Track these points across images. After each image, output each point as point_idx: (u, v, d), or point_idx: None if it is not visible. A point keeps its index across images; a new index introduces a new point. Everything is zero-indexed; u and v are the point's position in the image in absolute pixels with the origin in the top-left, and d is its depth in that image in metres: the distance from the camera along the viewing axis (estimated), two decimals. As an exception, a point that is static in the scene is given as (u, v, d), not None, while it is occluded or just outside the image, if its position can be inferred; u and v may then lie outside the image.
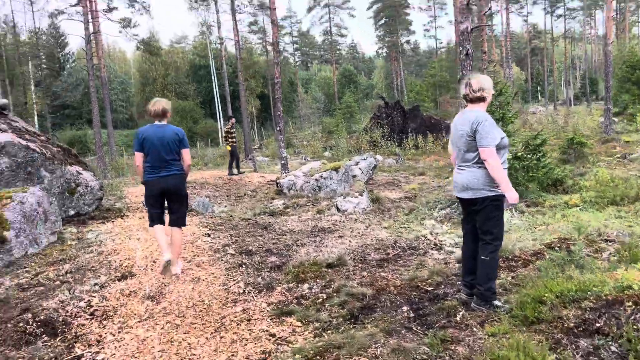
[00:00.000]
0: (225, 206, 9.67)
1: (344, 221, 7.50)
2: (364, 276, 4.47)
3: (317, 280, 4.40)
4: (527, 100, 57.62)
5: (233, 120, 16.13)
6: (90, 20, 27.59)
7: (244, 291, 4.35)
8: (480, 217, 3.59)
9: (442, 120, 29.72)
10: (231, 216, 8.16)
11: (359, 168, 9.93)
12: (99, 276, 5.11)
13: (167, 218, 5.22)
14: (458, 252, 5.00)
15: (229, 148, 15.64)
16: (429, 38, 75.00)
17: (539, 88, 66.93)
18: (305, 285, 4.32)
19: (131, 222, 7.93)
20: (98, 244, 6.49)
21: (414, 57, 76.19)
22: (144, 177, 5.11)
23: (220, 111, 45.24)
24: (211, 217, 8.03)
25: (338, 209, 8.53)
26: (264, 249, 5.53)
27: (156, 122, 5.14)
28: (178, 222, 5.15)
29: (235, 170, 15.67)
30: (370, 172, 10.23)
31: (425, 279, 4.19)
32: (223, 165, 25.22)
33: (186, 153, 5.11)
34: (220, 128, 45.59)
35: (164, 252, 4.90)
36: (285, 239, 6.03)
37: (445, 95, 48.04)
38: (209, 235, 6.33)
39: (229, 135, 15.62)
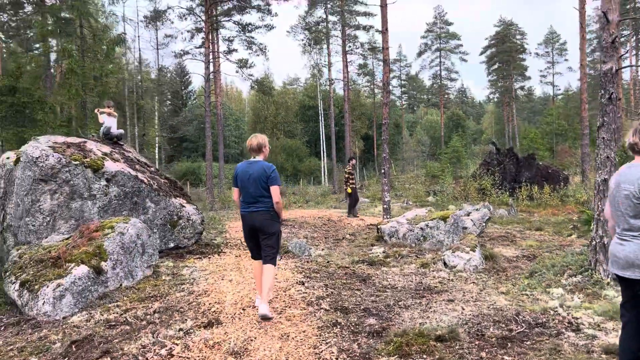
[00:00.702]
0: (323, 249, 9.20)
1: (452, 280, 6.66)
2: (482, 357, 3.67)
3: (424, 357, 3.68)
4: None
5: (354, 161, 15.74)
6: (211, 60, 29.46)
7: (337, 359, 3.74)
8: None
9: (561, 171, 27.42)
10: (328, 262, 7.65)
11: (471, 219, 9.01)
12: (186, 320, 4.79)
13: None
14: (603, 338, 4.01)
15: (349, 190, 15.27)
16: (545, 84, 71.12)
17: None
18: (410, 362, 3.62)
19: (227, 260, 7.70)
20: (191, 282, 6.26)
21: (527, 103, 72.61)
22: (240, 211, 5.17)
23: (325, 150, 45.83)
24: (307, 262, 7.57)
25: (445, 264, 7.68)
26: (362, 307, 4.90)
27: (252, 158, 5.13)
28: (266, 259, 5.00)
29: (355, 212, 15.39)
30: (484, 224, 9.26)
31: (563, 373, 3.31)
32: (322, 204, 25.10)
33: (275, 190, 4.94)
34: (324, 166, 46.10)
35: (261, 302, 4.81)
36: (385, 297, 5.35)
37: (563, 145, 44.72)
38: (303, 284, 5.84)
39: (350, 177, 15.23)
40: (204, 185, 36.45)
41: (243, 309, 4.97)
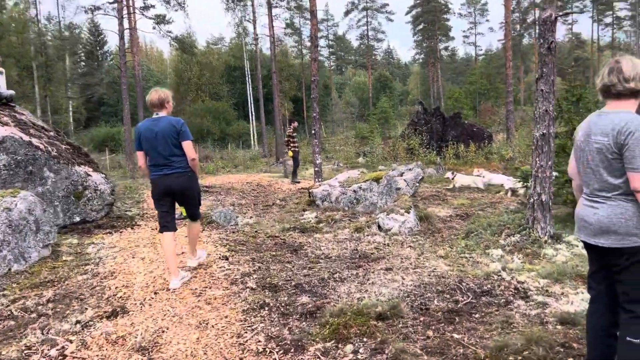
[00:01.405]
0: (251, 217, 8.55)
1: (388, 244, 6.26)
2: (428, 337, 3.23)
3: (365, 340, 3.19)
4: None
5: (295, 124, 14.86)
6: (125, 16, 27.15)
7: (264, 350, 3.17)
8: (628, 278, 2.32)
9: (485, 129, 28.11)
10: (256, 231, 7.03)
11: (404, 180, 8.67)
12: (86, 309, 4.03)
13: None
14: (554, 305, 3.70)
15: (290, 154, 14.53)
16: (467, 45, 72.93)
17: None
18: (349, 347, 3.12)
19: (141, 234, 6.87)
20: (96, 262, 5.44)
21: (451, 64, 74.28)
22: (150, 177, 4.71)
23: (253, 112, 44.52)
24: (233, 232, 6.91)
25: (380, 228, 7.30)
26: (293, 282, 4.34)
27: (154, 115, 4.67)
28: (190, 217, 5.01)
29: (298, 178, 14.71)
30: (417, 184, 8.97)
31: (519, 350, 2.93)
32: (252, 168, 24.28)
33: (188, 146, 4.56)
34: (253, 129, 44.85)
35: (171, 275, 4.51)
36: (319, 269, 4.83)
37: (486, 104, 46.10)
38: (227, 259, 5.19)
39: (291, 140, 14.42)
40: (124, 151, 34.38)
41: (155, 293, 4.27)
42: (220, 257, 5.24)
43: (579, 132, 2.51)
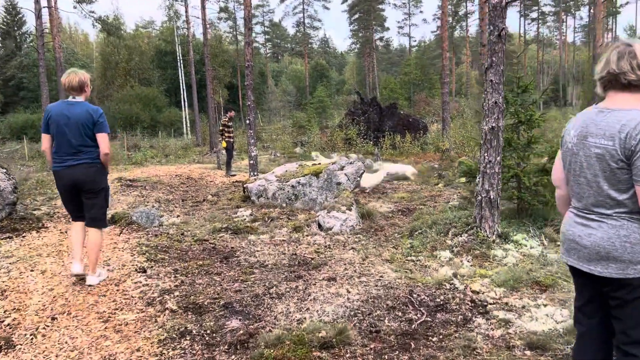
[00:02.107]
0: (178, 216, 7.78)
1: (330, 247, 5.76)
2: (382, 371, 2.74)
3: (307, 378, 2.65)
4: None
5: (232, 113, 14.07)
6: (42, -8, 24.89)
7: (183, 396, 2.56)
8: (631, 315, 1.90)
9: (420, 120, 28.35)
10: (182, 234, 6.30)
11: (345, 174, 8.19)
12: (-41, 344, 3.23)
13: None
14: (518, 324, 3.32)
15: (224, 144, 13.68)
16: (402, 36, 74.06)
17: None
18: (288, 390, 2.56)
19: (47, 239, 5.97)
20: (-15, 277, 4.56)
21: (385, 54, 75.20)
22: (52, 166, 4.26)
23: (186, 99, 42.78)
24: (155, 235, 6.15)
25: (320, 227, 6.79)
26: (222, 301, 3.71)
27: (69, 98, 4.21)
28: (92, 223, 4.29)
29: (232, 171, 13.89)
30: (358, 179, 8.52)
31: (488, 386, 2.49)
32: (184, 158, 23.11)
33: (103, 139, 4.15)
34: (185, 117, 43.12)
35: (73, 260, 4.24)
36: (253, 282, 4.23)
37: (420, 94, 46.82)
38: (145, 272, 4.47)
39: (226, 130, 13.60)
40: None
41: (52, 319, 3.52)
42: (136, 270, 4.51)
43: (571, 132, 2.05)
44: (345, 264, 4.87)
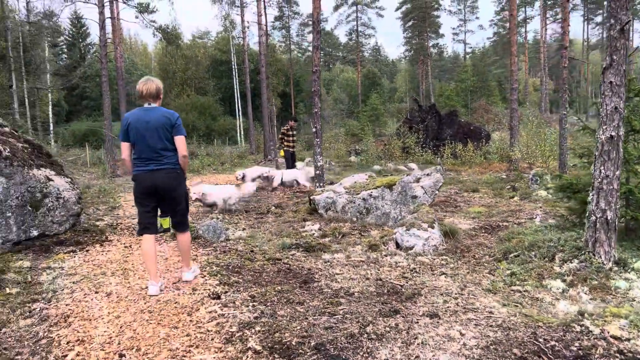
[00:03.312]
0: (244, 229, 7.34)
1: (415, 270, 5.12)
2: None
3: None
4: (555, 111, 54.28)
5: (292, 122, 13.46)
6: (106, 4, 25.60)
7: None
8: None
9: (482, 128, 27.16)
10: (252, 251, 5.81)
11: (421, 187, 7.51)
12: (19, 383, 2.81)
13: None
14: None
15: (281, 153, 13.35)
16: (457, 42, 72.41)
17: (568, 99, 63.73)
18: None
19: (111, 254, 5.62)
20: (48, 297, 4.20)
21: (439, 61, 73.61)
22: (132, 172, 4.29)
23: (240, 108, 43.14)
24: (224, 252, 5.69)
25: (398, 245, 6.15)
26: (312, 341, 3.14)
27: (145, 105, 4.28)
28: (178, 227, 4.44)
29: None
30: (436, 192, 7.83)
31: None
32: (240, 166, 22.98)
33: (180, 141, 4.24)
34: (239, 125, 43.46)
35: (150, 280, 4.20)
36: (343, 315, 3.64)
37: (479, 101, 45.23)
38: (219, 298, 3.97)
39: (285, 138, 13.21)
40: (105, 147, 32.81)
41: (120, 356, 3.05)
42: (210, 295, 4.02)
43: None
44: (442, 295, 4.21)
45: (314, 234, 7.01)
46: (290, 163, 13.49)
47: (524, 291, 4.45)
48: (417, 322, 3.47)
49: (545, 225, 6.60)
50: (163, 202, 4.32)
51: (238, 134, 43.42)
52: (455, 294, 4.26)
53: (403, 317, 3.59)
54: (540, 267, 5.00)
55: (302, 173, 12.34)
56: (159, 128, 4.12)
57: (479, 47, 73.66)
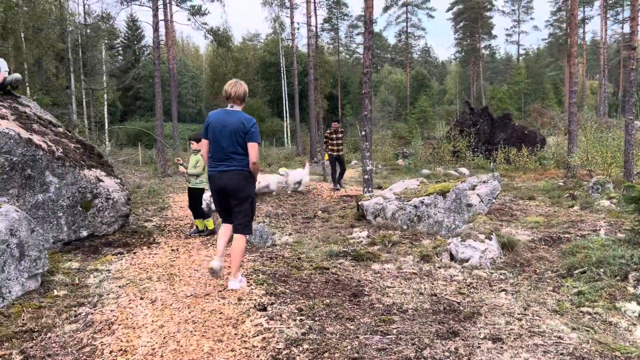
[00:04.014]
0: (290, 234, 7.18)
1: (472, 285, 4.79)
2: None
3: None
4: (614, 115, 51.61)
5: (335, 124, 12.74)
6: (161, 7, 26.26)
7: None
8: None
9: (537, 132, 26.09)
10: (299, 258, 5.63)
11: (477, 195, 7.13)
12: (60, 394, 2.71)
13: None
14: None
15: (326, 157, 12.79)
16: (510, 44, 70.34)
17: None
18: None
19: (157, 257, 5.57)
20: (94, 301, 4.14)
21: (490, 63, 71.63)
22: (207, 170, 4.59)
23: (287, 110, 43.35)
24: (270, 258, 5.53)
25: (452, 257, 5.82)
26: (365, 364, 2.90)
27: (228, 107, 4.48)
28: (237, 229, 4.47)
29: (338, 185, 12.69)
30: (493, 201, 7.42)
31: None
32: (287, 168, 22.95)
33: (253, 148, 4.33)
34: (286, 127, 43.67)
35: (215, 256, 4.47)
36: (397, 336, 3.37)
37: (534, 104, 43.60)
38: (265, 309, 3.79)
39: (330, 140, 12.64)
40: (157, 146, 33.65)
41: (162, 370, 2.91)
42: (255, 306, 3.84)
43: None
44: (503, 315, 3.88)
45: (362, 241, 6.77)
46: (334, 168, 12.78)
47: (595, 314, 4.05)
48: (479, 347, 3.17)
49: (612, 239, 6.09)
50: (229, 203, 4.47)
51: (285, 136, 43.65)
52: (518, 314, 3.92)
53: (463, 339, 3.29)
54: (611, 286, 4.57)
55: (306, 173, 12.09)
56: (233, 132, 4.26)
57: (533, 49, 71.24)
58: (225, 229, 4.55)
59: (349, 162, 25.51)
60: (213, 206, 8.03)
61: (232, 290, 4.29)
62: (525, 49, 71.15)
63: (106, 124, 41.42)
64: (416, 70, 66.35)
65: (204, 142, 4.49)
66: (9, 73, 6.87)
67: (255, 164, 4.36)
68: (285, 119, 43.88)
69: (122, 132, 43.05)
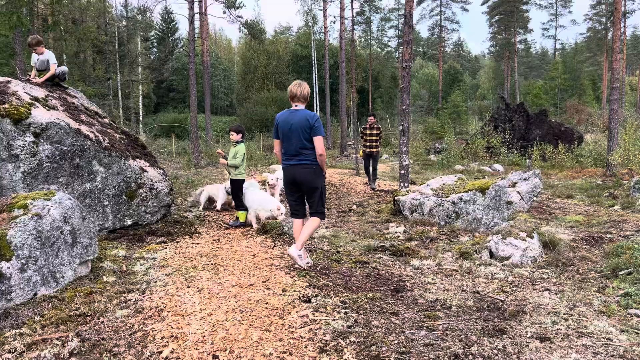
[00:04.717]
0: (327, 228, 7.23)
1: (515, 283, 4.75)
2: None
3: None
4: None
5: (371, 119, 12.22)
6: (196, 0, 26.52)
7: None
8: None
9: (574, 129, 25.46)
10: (338, 252, 5.68)
11: (518, 192, 7.03)
12: (116, 378, 2.82)
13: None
14: None
15: (360, 154, 12.29)
16: (546, 38, 68.62)
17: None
18: None
19: (200, 247, 5.69)
20: (143, 288, 4.27)
21: (525, 57, 69.97)
22: (282, 164, 5.03)
23: (318, 103, 43.36)
24: (310, 251, 5.59)
25: (492, 255, 5.76)
26: (412, 359, 2.92)
27: (293, 106, 4.89)
28: (314, 214, 4.94)
29: (374, 183, 12.04)
30: (533, 198, 7.31)
31: None
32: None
33: (318, 141, 4.73)
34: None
35: (295, 244, 4.83)
36: (442, 331, 3.39)
37: (571, 101, 42.50)
38: (309, 301, 3.85)
39: (364, 137, 12.09)
40: (190, 138, 34.17)
41: (214, 357, 3.00)
42: (300, 298, 3.90)
43: None
44: (549, 314, 3.84)
45: (398, 236, 6.76)
46: (367, 164, 12.12)
47: (644, 317, 3.96)
48: (527, 346, 3.15)
49: (661, 241, 5.93)
50: (302, 192, 4.93)
51: (315, 129, 43.62)
52: (564, 314, 3.87)
53: (510, 338, 3.28)
54: (658, 288, 4.46)
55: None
56: (299, 130, 4.67)
57: (570, 43, 69.37)
58: (298, 224, 4.98)
59: (380, 157, 25.41)
60: (201, 199, 8.24)
61: (290, 256, 4.79)
62: (562, 44, 69.45)
63: (141, 116, 42.25)
64: (449, 65, 65.45)
65: (276, 142, 4.96)
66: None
67: (322, 155, 4.72)
68: (315, 112, 43.95)
69: (156, 123, 43.83)
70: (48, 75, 6.75)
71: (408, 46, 8.42)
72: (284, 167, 4.92)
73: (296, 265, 4.78)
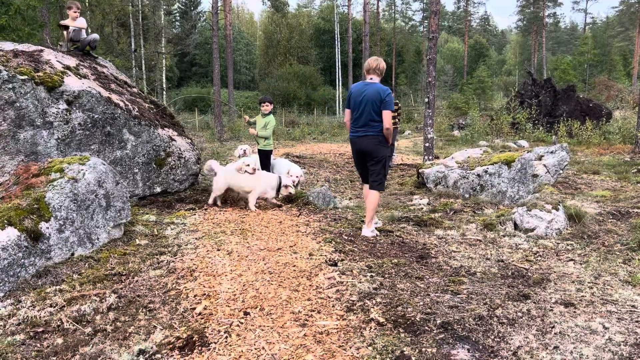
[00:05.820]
0: (350, 198, 7.30)
1: (539, 254, 4.77)
2: None
3: None
4: None
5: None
6: (219, -27, 26.34)
7: None
8: None
9: (603, 105, 24.85)
10: (362, 221, 5.75)
11: (544, 165, 6.98)
12: (154, 329, 2.97)
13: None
14: None
15: None
16: (577, 12, 66.46)
17: None
18: None
19: (228, 214, 5.83)
20: (174, 251, 4.43)
21: (553, 32, 67.99)
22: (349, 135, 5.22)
23: (340, 78, 43.05)
24: (334, 220, 5.68)
25: (517, 226, 5.77)
26: (438, 319, 3.00)
27: (367, 79, 5.03)
28: (372, 185, 5.12)
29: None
30: (560, 172, 7.25)
31: None
32: (339, 137, 23.01)
33: (386, 115, 4.86)
34: (339, 96, 43.44)
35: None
36: (467, 295, 3.45)
37: (601, 77, 41.35)
38: (335, 265, 3.95)
39: None
40: (212, 112, 34.38)
41: (245, 314, 3.12)
42: (326, 261, 4.01)
43: None
44: (573, 282, 3.87)
45: (422, 208, 6.80)
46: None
47: (671, 288, 3.96)
48: (552, 310, 3.19)
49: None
50: (366, 163, 5.09)
51: (337, 104, 43.50)
52: (589, 282, 3.90)
53: (534, 302, 3.33)
54: (687, 261, 4.44)
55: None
56: (370, 102, 4.79)
57: (602, 18, 67.14)
58: (365, 188, 5.25)
59: (402, 132, 25.24)
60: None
61: (364, 237, 4.95)
62: (592, 18, 67.33)
63: (164, 89, 42.53)
64: (474, 39, 64.11)
65: (347, 112, 5.12)
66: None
67: (389, 129, 4.85)
68: (337, 87, 43.63)
69: (179, 97, 44.14)
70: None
71: (435, 17, 8.31)
72: (351, 137, 5.09)
73: (364, 237, 4.96)
